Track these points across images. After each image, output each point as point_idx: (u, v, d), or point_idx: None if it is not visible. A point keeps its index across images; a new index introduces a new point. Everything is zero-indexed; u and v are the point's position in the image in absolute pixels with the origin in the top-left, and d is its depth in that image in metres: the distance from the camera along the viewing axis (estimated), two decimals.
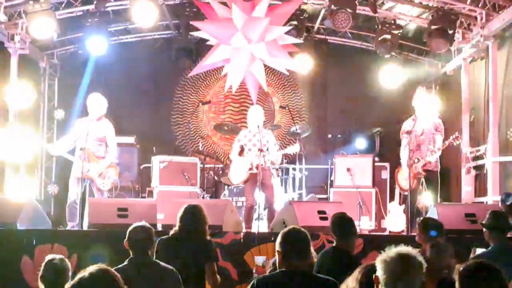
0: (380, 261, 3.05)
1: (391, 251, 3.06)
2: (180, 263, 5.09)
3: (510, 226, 5.47)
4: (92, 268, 2.91)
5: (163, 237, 5.58)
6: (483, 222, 5.44)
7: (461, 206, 9.10)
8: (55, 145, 9.12)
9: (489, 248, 5.27)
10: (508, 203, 8.05)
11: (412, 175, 8.63)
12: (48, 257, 4.82)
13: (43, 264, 4.74)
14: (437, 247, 4.67)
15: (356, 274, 3.43)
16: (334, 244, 5.42)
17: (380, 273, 3.02)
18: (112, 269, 3.00)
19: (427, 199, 8.85)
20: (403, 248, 3.08)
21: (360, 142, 12.66)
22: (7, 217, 7.46)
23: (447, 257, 4.58)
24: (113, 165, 9.12)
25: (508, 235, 5.94)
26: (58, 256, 4.82)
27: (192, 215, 5.61)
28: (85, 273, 2.88)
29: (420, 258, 3.05)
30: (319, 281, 4.02)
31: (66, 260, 4.78)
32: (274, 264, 4.87)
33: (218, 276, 5.62)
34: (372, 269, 3.17)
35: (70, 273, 4.61)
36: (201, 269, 5.47)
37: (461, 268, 3.31)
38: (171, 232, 5.63)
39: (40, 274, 4.71)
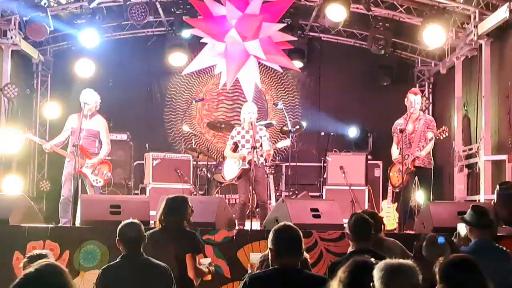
0: (376, 272, 3.02)
1: (386, 263, 3.02)
2: (164, 256, 5.07)
3: (491, 221, 5.32)
4: (39, 263, 2.80)
5: (149, 231, 5.55)
6: (466, 218, 5.31)
7: (454, 204, 9.08)
8: (50, 142, 9.07)
9: (470, 244, 5.12)
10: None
11: (404, 171, 8.65)
12: (31, 252, 4.79)
13: (27, 257, 4.72)
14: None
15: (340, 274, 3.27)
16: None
17: (376, 284, 2.99)
18: (60, 264, 2.87)
19: (419, 197, 8.83)
20: (398, 261, 3.04)
21: (352, 131, 12.73)
22: None
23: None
24: (106, 162, 9.08)
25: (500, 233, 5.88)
26: (40, 251, 4.80)
27: (172, 206, 5.59)
28: (31, 268, 2.77)
29: (416, 269, 3.02)
30: (310, 278, 4.03)
31: (50, 253, 4.76)
32: (263, 261, 4.79)
33: (203, 269, 5.58)
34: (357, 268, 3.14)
35: None
36: (184, 262, 5.44)
37: (442, 262, 3.31)
38: (156, 225, 5.65)
39: (22, 265, 4.68)
